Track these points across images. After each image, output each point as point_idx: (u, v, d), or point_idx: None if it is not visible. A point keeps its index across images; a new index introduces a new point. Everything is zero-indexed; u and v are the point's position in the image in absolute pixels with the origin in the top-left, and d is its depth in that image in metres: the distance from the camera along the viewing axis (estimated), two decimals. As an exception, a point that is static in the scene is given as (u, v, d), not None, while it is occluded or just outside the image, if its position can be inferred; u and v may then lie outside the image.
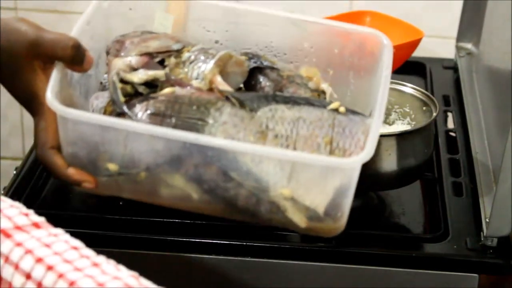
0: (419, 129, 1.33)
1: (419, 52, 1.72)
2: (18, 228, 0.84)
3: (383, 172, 1.31)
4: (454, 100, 1.64)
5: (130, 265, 0.83)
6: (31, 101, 0.95)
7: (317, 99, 0.97)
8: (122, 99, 0.94)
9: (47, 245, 0.82)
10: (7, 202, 0.89)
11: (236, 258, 1.27)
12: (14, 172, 1.41)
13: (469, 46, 1.73)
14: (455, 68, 1.74)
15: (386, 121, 1.44)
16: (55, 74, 0.93)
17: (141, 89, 0.95)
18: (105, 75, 1.00)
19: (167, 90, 0.94)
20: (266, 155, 0.88)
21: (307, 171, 0.88)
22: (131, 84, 0.95)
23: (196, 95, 0.92)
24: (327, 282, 1.26)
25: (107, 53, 1.00)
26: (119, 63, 0.96)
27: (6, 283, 0.81)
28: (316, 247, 1.27)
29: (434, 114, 1.35)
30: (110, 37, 0.99)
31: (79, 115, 0.89)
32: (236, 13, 1.06)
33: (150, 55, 0.97)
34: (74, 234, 0.86)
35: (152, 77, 0.95)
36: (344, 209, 0.92)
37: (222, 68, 0.96)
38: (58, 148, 0.94)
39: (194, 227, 1.29)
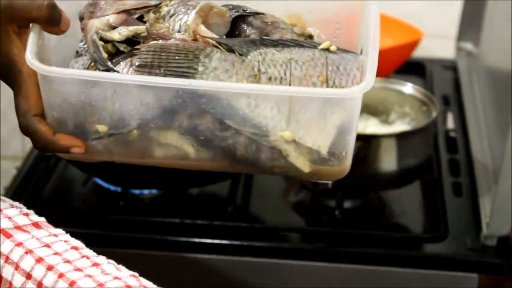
0: (419, 129, 1.33)
1: (419, 52, 1.73)
2: (19, 228, 0.84)
3: (383, 172, 1.31)
4: (454, 100, 1.64)
5: (130, 265, 0.83)
6: (8, 70, 0.91)
7: (306, 41, 0.93)
8: (105, 55, 0.90)
9: (47, 245, 0.82)
10: (7, 202, 0.89)
11: (236, 258, 1.27)
12: (15, 172, 1.41)
13: (469, 46, 1.73)
14: (455, 68, 1.74)
15: (386, 121, 1.44)
16: (32, 37, 0.89)
17: (122, 47, 0.91)
18: (81, 43, 0.98)
19: (150, 43, 0.90)
20: (263, 93, 0.85)
21: (306, 110, 0.85)
22: (112, 43, 0.91)
23: (183, 44, 0.89)
24: (327, 282, 1.26)
25: (81, 19, 0.96)
26: (96, 23, 0.93)
27: (6, 283, 0.81)
28: (316, 247, 1.27)
29: (434, 114, 1.35)
30: (82, 4, 0.97)
31: (62, 72, 0.86)
32: None
33: (128, 12, 0.94)
34: (74, 234, 0.86)
35: (134, 32, 0.91)
36: (348, 147, 0.89)
37: (204, 20, 0.93)
38: (42, 116, 0.90)
39: (194, 227, 1.29)
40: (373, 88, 1.51)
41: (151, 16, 0.94)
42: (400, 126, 1.42)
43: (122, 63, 0.89)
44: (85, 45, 0.94)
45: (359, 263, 1.26)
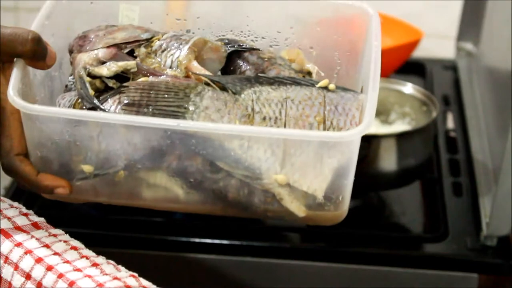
0: (419, 129, 1.33)
1: (419, 52, 1.73)
2: (18, 228, 0.84)
3: (383, 172, 1.31)
4: (454, 100, 1.64)
5: (130, 265, 0.83)
6: None
7: (304, 78, 0.90)
8: (91, 92, 0.86)
9: (47, 245, 0.82)
10: (7, 202, 0.89)
11: (236, 258, 1.27)
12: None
13: (469, 46, 1.73)
14: (455, 68, 1.74)
15: (386, 121, 1.44)
16: (16, 72, 0.85)
17: (111, 83, 0.87)
18: (70, 77, 0.93)
19: (140, 80, 0.87)
20: (256, 135, 0.81)
21: (301, 152, 0.81)
22: (100, 78, 0.88)
23: (173, 81, 0.85)
24: (327, 282, 1.26)
25: (70, 52, 0.92)
26: (84, 58, 0.89)
27: (6, 283, 0.81)
28: (316, 247, 1.27)
29: (434, 114, 1.35)
30: (72, 36, 0.93)
31: (46, 110, 0.81)
32: None
33: (118, 46, 0.90)
34: (74, 234, 0.86)
35: (123, 68, 0.88)
36: (345, 192, 0.85)
37: (198, 55, 0.89)
38: (25, 155, 0.86)
39: (194, 227, 1.29)
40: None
41: (142, 50, 0.91)
42: (400, 126, 1.42)
43: (110, 101, 0.85)
44: (74, 80, 0.90)
45: (359, 263, 1.26)
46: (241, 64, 0.93)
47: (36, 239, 0.82)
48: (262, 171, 0.82)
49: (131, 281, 0.79)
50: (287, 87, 0.86)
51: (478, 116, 1.51)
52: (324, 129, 0.84)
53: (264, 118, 0.84)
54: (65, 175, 0.85)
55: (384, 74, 1.63)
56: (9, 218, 0.85)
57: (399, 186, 1.35)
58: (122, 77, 0.89)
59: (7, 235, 0.83)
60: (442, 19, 1.84)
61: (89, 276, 0.78)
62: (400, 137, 1.31)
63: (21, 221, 0.85)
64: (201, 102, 0.83)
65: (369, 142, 1.29)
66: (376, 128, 1.43)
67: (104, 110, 0.84)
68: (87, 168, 0.84)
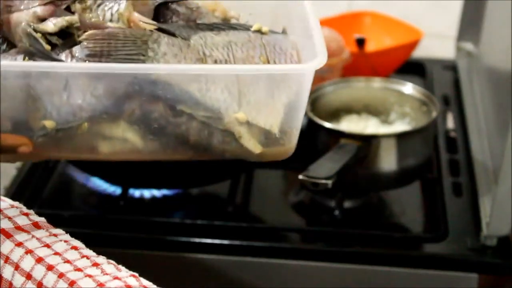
0: (419, 129, 1.33)
1: (419, 52, 1.73)
2: (19, 228, 0.84)
3: (383, 172, 1.31)
4: (454, 100, 1.64)
5: (130, 265, 0.83)
6: None
7: (238, 23, 0.93)
8: (47, 47, 0.85)
9: (48, 245, 0.82)
10: (7, 202, 0.89)
11: (236, 258, 1.27)
12: (15, 172, 1.41)
13: (469, 46, 1.73)
14: (455, 68, 1.74)
15: (386, 121, 1.44)
16: None
17: (55, 39, 0.86)
18: None
19: (88, 33, 0.85)
20: (218, 74, 0.84)
21: (254, 89, 0.85)
22: (43, 35, 0.86)
23: (129, 30, 0.86)
24: (327, 282, 1.26)
25: None
26: (23, 16, 0.87)
27: (6, 283, 0.81)
28: (316, 247, 1.27)
29: (434, 114, 1.35)
30: None
31: (6, 65, 0.79)
32: None
33: (54, 3, 0.89)
34: (74, 234, 0.86)
35: (69, 22, 0.87)
36: (298, 124, 0.88)
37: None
38: None
39: (194, 227, 1.29)
40: (373, 88, 1.52)
41: (78, 6, 0.90)
42: (400, 126, 1.42)
43: (68, 52, 0.84)
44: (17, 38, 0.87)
45: (359, 263, 1.26)
46: (171, 16, 0.94)
47: (37, 239, 0.82)
48: (221, 111, 0.85)
49: (132, 281, 0.79)
50: (225, 31, 0.89)
51: (478, 116, 1.51)
52: None
53: (216, 61, 0.87)
54: (26, 133, 0.83)
55: (384, 74, 1.63)
56: (9, 218, 0.85)
57: (399, 186, 1.35)
58: (63, 34, 0.88)
59: (7, 235, 0.83)
60: (442, 19, 1.84)
61: (90, 276, 0.79)
62: (400, 137, 1.31)
63: (22, 221, 0.85)
64: (159, 48, 0.85)
65: (369, 142, 1.29)
66: (376, 128, 1.43)
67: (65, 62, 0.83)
68: (49, 123, 0.83)
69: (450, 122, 1.57)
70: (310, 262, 1.26)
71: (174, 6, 0.94)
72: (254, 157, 0.89)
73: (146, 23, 0.89)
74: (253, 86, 0.85)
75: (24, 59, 0.86)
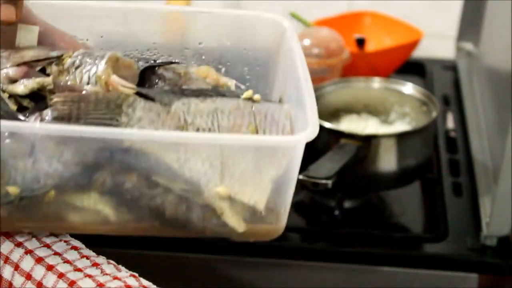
0: (419, 129, 1.33)
1: (419, 52, 1.73)
2: (18, 228, 0.84)
3: (383, 172, 1.31)
4: (454, 100, 1.64)
5: (130, 265, 0.83)
6: None
7: (228, 90, 0.87)
8: (13, 107, 0.80)
9: (47, 245, 0.82)
10: (7, 202, 0.88)
11: (236, 258, 1.27)
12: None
13: (469, 46, 1.73)
14: (455, 68, 1.74)
15: (386, 121, 1.44)
16: None
17: (26, 102, 0.82)
18: None
19: (61, 96, 0.80)
20: (194, 142, 0.78)
21: (241, 161, 0.78)
22: (13, 98, 0.82)
23: (103, 92, 0.81)
24: (327, 282, 1.26)
25: None
26: None
27: (6, 283, 0.81)
28: (316, 247, 1.27)
29: (434, 114, 1.35)
30: None
31: None
32: (109, 12, 0.93)
33: (28, 64, 0.85)
34: (74, 234, 0.85)
35: (40, 84, 0.83)
36: (287, 203, 0.82)
37: (113, 71, 0.85)
38: None
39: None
40: (373, 88, 1.52)
41: (54, 68, 0.86)
42: (400, 126, 1.42)
43: (36, 114, 0.80)
44: None
45: (359, 263, 1.26)
46: (157, 81, 0.89)
47: (37, 239, 0.82)
48: (201, 184, 0.78)
49: (132, 281, 0.79)
50: (213, 98, 0.83)
51: (478, 116, 1.51)
52: None
53: (198, 129, 0.81)
54: None
55: (384, 74, 1.63)
56: (9, 218, 0.85)
57: (399, 186, 1.35)
58: (36, 97, 0.84)
59: (7, 235, 0.83)
60: (442, 19, 1.84)
61: (90, 276, 0.78)
62: (400, 137, 1.31)
63: (22, 221, 0.85)
64: (133, 113, 0.79)
65: (369, 142, 1.29)
66: (376, 128, 1.43)
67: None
68: (12, 190, 0.77)
69: (450, 122, 1.57)
70: (310, 262, 1.26)
71: (160, 71, 0.89)
72: (238, 236, 0.81)
73: (125, 86, 0.82)
74: (238, 158, 0.78)
75: None
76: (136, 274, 0.81)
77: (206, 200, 0.79)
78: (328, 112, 1.41)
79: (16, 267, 0.80)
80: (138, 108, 0.79)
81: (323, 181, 1.20)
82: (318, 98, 1.40)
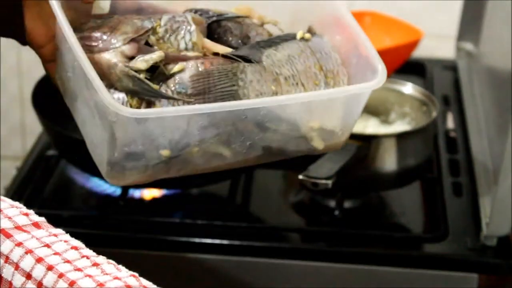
0: (419, 129, 1.33)
1: (419, 52, 1.73)
2: (19, 228, 0.84)
3: (383, 172, 1.31)
4: (454, 100, 1.64)
5: (130, 265, 0.83)
6: None
7: (284, 34, 0.98)
8: (156, 86, 0.91)
9: (47, 245, 0.82)
10: (7, 202, 0.89)
11: (236, 258, 1.27)
12: (15, 172, 1.41)
13: (469, 46, 1.73)
14: (455, 68, 1.74)
15: (386, 121, 1.44)
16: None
17: (143, 75, 0.91)
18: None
19: (178, 67, 0.92)
20: (309, 100, 0.92)
21: (326, 103, 0.93)
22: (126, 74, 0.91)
23: (221, 65, 0.92)
24: (327, 282, 1.26)
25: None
26: (112, 57, 0.92)
27: (6, 283, 0.81)
28: (316, 247, 1.28)
29: (434, 114, 1.35)
30: None
31: (158, 112, 0.87)
32: None
33: (135, 40, 0.93)
34: (74, 234, 0.86)
35: (160, 57, 0.91)
36: (354, 123, 0.97)
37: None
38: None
39: (194, 227, 1.29)
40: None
41: (153, 38, 0.95)
42: (400, 126, 1.42)
43: (169, 91, 0.91)
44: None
45: (359, 263, 1.26)
46: (224, 31, 0.99)
47: (37, 239, 0.82)
48: (299, 122, 0.93)
49: (132, 281, 0.79)
50: (280, 45, 0.96)
51: (478, 116, 1.51)
52: (325, 75, 0.95)
53: (286, 78, 0.93)
54: (143, 161, 0.91)
55: (384, 74, 1.63)
56: (9, 218, 0.85)
57: (399, 186, 1.35)
58: (150, 69, 0.92)
59: (7, 234, 0.83)
60: (442, 19, 1.84)
61: (90, 276, 0.79)
62: (400, 137, 1.31)
63: (22, 220, 0.85)
64: (246, 77, 0.92)
65: (369, 142, 1.29)
66: (376, 128, 1.43)
67: (176, 99, 0.90)
68: (165, 153, 0.90)
69: (450, 122, 1.57)
70: (310, 262, 1.26)
71: (224, 22, 0.99)
72: (316, 152, 0.97)
73: (226, 53, 0.94)
74: (325, 101, 0.93)
75: (129, 96, 0.91)
76: (136, 274, 0.81)
77: (301, 133, 0.94)
78: (328, 112, 1.41)
79: (16, 267, 0.80)
80: (248, 72, 0.92)
81: (323, 181, 1.20)
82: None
